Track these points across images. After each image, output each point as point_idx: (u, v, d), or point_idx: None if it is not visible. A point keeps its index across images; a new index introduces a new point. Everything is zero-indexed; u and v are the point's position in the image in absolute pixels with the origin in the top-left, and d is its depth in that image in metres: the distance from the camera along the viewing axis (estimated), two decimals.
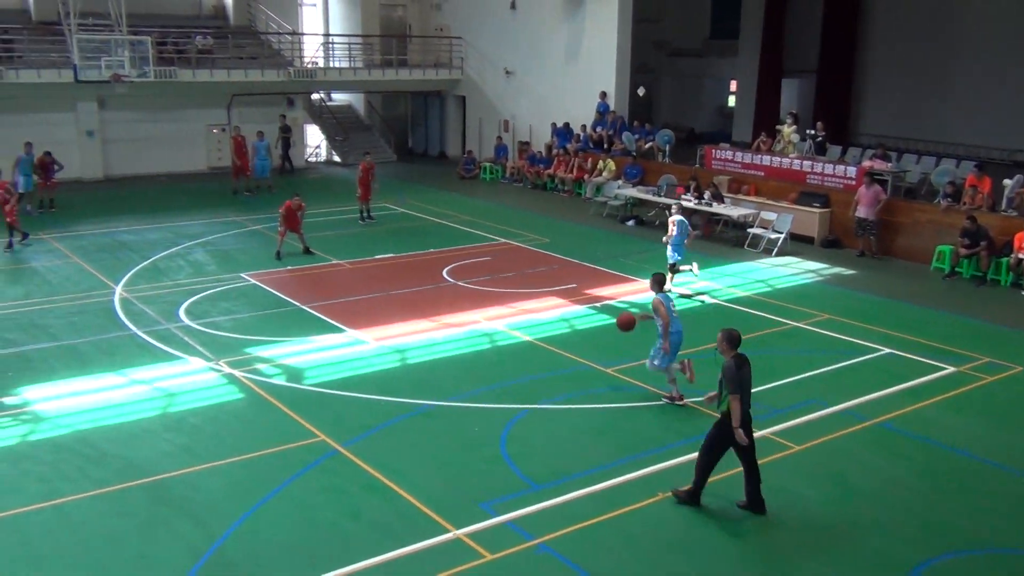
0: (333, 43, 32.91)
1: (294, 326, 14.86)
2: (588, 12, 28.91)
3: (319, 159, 35.72)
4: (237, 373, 12.72)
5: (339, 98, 37.41)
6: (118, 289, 16.77)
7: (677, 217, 16.74)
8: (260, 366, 13.04)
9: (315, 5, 36.67)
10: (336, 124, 34.91)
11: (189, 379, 12.57)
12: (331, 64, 32.23)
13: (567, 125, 29.29)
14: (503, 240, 21.25)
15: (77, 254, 19.46)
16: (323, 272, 18.31)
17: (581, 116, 29.14)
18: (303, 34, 33.99)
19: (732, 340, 8.79)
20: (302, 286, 17.30)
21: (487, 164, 31.06)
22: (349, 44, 32.73)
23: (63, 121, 28.18)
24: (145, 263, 18.63)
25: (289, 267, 18.46)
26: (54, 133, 27.61)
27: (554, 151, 28.72)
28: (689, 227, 16.88)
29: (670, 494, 9.34)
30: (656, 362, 11.73)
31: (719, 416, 8.96)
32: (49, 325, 14.73)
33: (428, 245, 20.63)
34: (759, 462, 9.18)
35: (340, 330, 14.64)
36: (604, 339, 14.25)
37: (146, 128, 29.69)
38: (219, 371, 12.81)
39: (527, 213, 24.61)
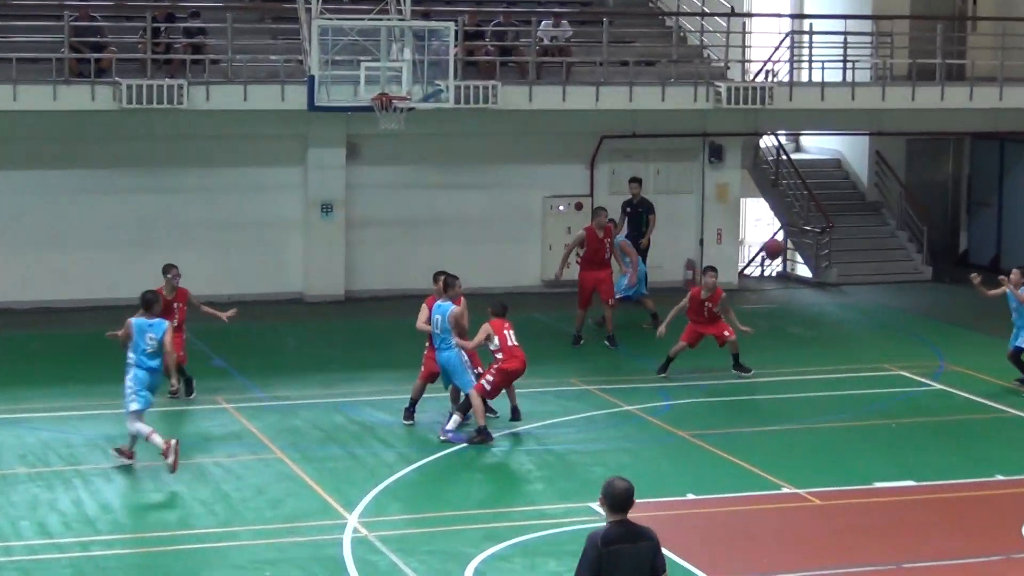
0: (811, 35, 33.58)
1: None
2: None
3: (772, 269, 36.21)
4: None
5: (814, 145, 38.00)
6: (352, 519, 17.53)
7: (1007, 289, 24.34)
8: None
9: None
10: (807, 199, 35.33)
11: None
12: (801, 76, 32.89)
13: None
14: None
15: (279, 442, 20.77)
16: (761, 511, 18.48)
17: None
18: (750, 15, 34.90)
19: (611, 497, 10.23)
20: (719, 536, 17.56)
21: None
22: (845, 37, 33.13)
23: (281, 184, 30.88)
24: (405, 470, 19.45)
25: (691, 495, 18.59)
26: (264, 207, 30.26)
27: None
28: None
29: None
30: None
31: None
32: None
33: (991, 467, 20.79)
34: None
35: None
36: None
37: (427, 200, 31.66)
38: None
39: None
